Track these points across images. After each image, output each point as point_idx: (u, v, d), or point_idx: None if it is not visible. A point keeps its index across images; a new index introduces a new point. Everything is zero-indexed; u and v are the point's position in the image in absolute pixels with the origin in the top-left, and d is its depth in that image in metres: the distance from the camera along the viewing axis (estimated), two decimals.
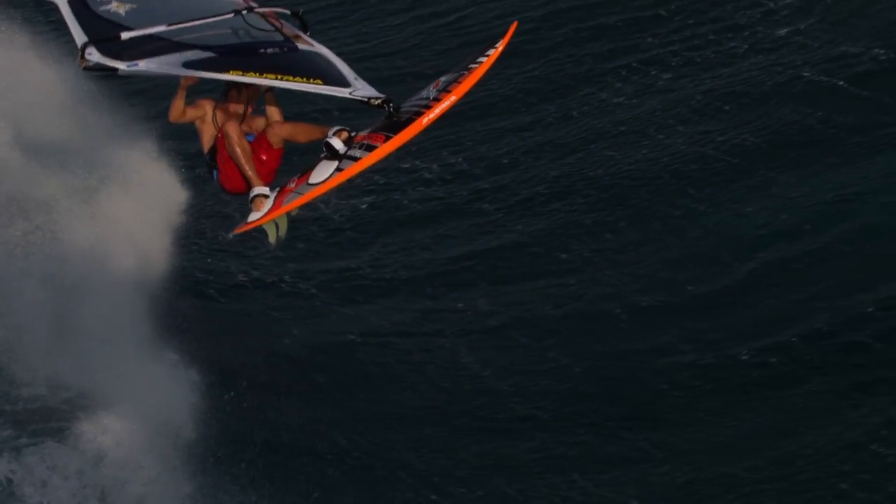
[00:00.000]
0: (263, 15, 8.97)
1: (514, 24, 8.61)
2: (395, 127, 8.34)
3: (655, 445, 11.10)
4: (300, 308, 13.10)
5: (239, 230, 9.00)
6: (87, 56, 8.31)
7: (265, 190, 8.85)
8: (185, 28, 8.55)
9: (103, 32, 8.55)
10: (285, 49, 8.69)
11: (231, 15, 8.74)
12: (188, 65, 8.38)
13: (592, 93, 15.71)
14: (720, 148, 14.62)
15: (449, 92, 8.35)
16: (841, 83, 15.10)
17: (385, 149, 8.22)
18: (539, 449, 11.22)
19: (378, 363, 12.33)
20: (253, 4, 9.06)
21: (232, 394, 11.57)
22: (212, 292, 13.39)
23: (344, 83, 8.42)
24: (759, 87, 15.26)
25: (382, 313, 12.94)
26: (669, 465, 10.89)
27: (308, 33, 9.07)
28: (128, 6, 8.90)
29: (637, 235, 13.51)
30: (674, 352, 12.06)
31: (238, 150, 8.82)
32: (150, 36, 8.50)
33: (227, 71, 8.34)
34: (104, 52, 8.34)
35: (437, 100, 8.33)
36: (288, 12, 9.10)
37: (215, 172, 9.08)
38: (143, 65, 8.29)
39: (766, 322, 12.19)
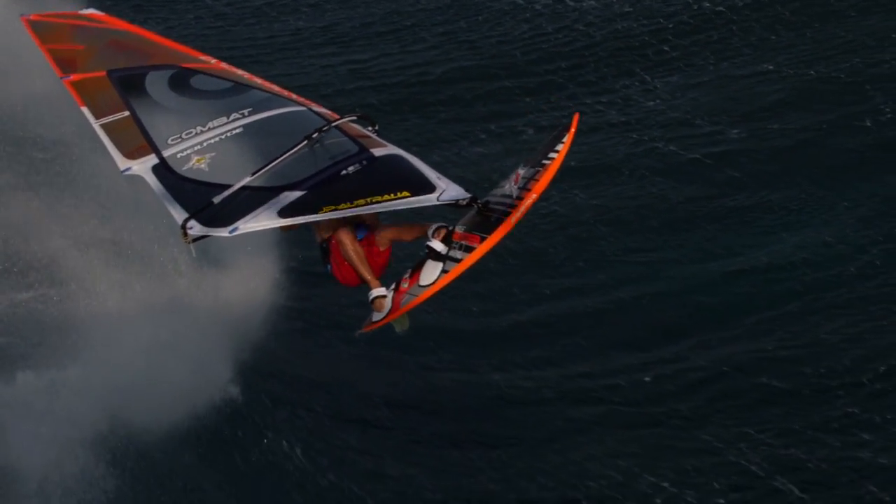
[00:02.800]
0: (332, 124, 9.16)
1: (577, 116, 8.90)
2: (486, 226, 8.67)
3: None
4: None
5: (366, 329, 9.26)
6: (188, 231, 8.41)
7: (383, 291, 9.07)
8: (268, 170, 8.75)
9: (195, 201, 8.64)
10: (364, 162, 8.77)
11: (304, 142, 8.91)
12: (283, 213, 8.48)
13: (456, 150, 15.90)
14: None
15: (529, 190, 8.62)
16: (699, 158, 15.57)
17: (482, 249, 8.61)
18: None
19: None
20: (323, 121, 9.21)
21: None
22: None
23: (429, 187, 8.56)
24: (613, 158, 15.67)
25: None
26: None
27: (377, 128, 9.23)
28: (208, 158, 9.05)
29: None
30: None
31: (353, 255, 9.02)
32: (239, 190, 8.64)
33: (319, 210, 8.45)
34: (203, 222, 8.46)
35: (520, 198, 8.62)
36: (354, 117, 9.23)
37: (329, 266, 9.29)
38: (243, 226, 8.43)
39: None
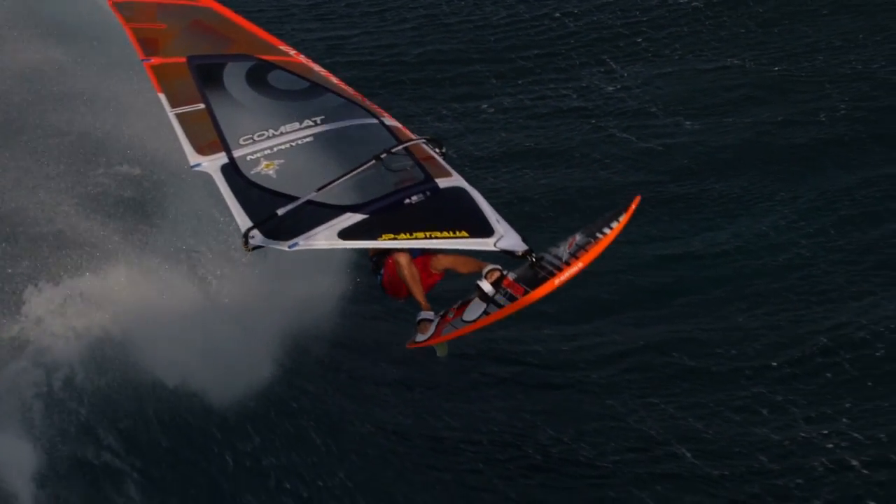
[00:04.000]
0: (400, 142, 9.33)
1: (638, 198, 9.10)
2: (532, 280, 8.88)
3: None
4: None
5: (410, 346, 9.57)
6: (250, 241, 8.59)
7: (430, 315, 9.37)
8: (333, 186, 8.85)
9: (260, 209, 8.75)
10: (428, 193, 8.93)
11: (372, 162, 9.05)
12: (343, 234, 8.61)
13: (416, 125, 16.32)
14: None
15: (577, 258, 8.80)
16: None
17: (523, 302, 8.89)
18: None
19: None
20: (393, 138, 9.41)
21: None
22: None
23: (487, 230, 8.74)
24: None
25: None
26: None
27: (444, 151, 9.44)
28: (276, 165, 9.14)
29: None
30: None
31: (409, 277, 9.27)
32: (304, 204, 8.77)
33: (379, 237, 8.61)
34: (265, 233, 8.59)
35: (568, 264, 8.82)
36: (425, 139, 9.43)
37: (379, 277, 9.51)
38: (303, 243, 8.53)
39: None
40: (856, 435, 11.87)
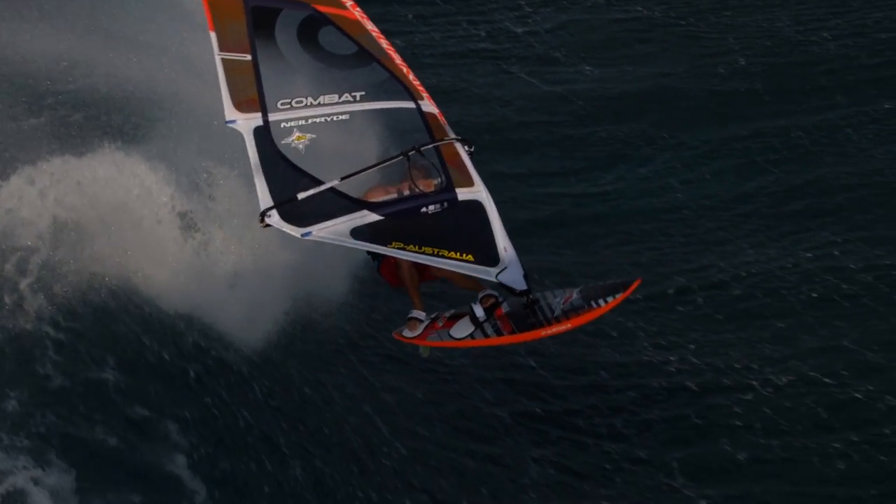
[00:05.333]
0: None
1: (638, 281, 9.52)
2: (522, 322, 9.24)
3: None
4: None
5: (396, 337, 9.93)
6: (266, 219, 8.82)
7: (422, 315, 9.71)
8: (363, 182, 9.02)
9: (282, 187, 8.85)
10: (445, 204, 9.08)
11: (400, 157, 9.23)
12: (355, 233, 8.80)
13: None
14: None
15: (568, 319, 9.19)
16: None
17: (508, 340, 9.33)
18: None
19: None
20: (426, 129, 9.58)
21: None
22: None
23: (493, 258, 9.01)
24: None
25: None
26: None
27: (472, 150, 9.66)
28: (308, 138, 9.21)
29: None
30: None
31: (408, 277, 9.58)
32: (325, 191, 8.89)
33: (389, 244, 8.81)
34: (283, 215, 8.78)
35: (558, 320, 9.20)
36: (458, 139, 9.58)
37: (377, 263, 9.70)
38: (316, 233, 8.74)
39: None
40: (695, 361, 12.53)
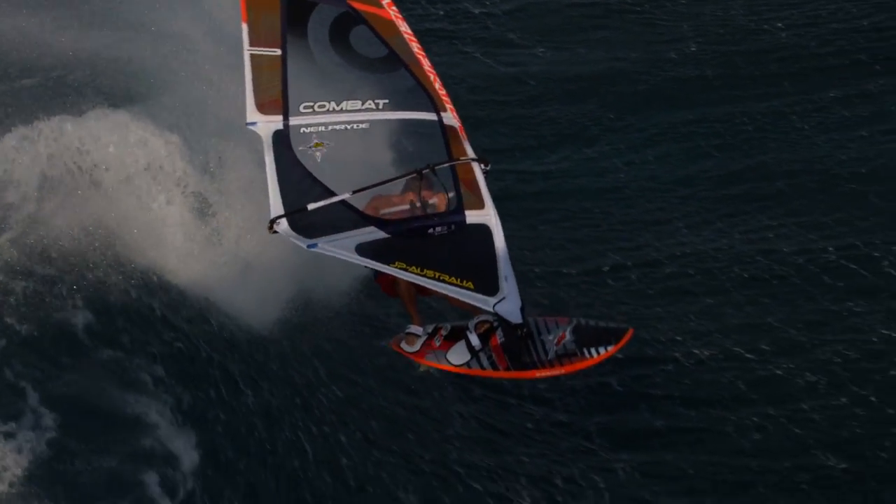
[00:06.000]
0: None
1: (631, 331, 9.68)
2: (516, 358, 9.44)
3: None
4: None
5: (392, 347, 10.15)
6: (275, 227, 8.91)
7: (419, 331, 9.91)
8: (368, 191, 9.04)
9: (294, 196, 8.87)
10: (452, 227, 9.09)
11: (414, 175, 9.19)
12: (360, 249, 8.84)
13: None
14: None
15: (562, 365, 9.42)
16: None
17: (501, 375, 9.58)
18: None
19: None
20: (444, 145, 9.55)
21: None
22: None
23: (492, 287, 8.99)
24: None
25: None
26: None
27: (488, 168, 9.64)
28: (325, 146, 9.22)
29: None
30: None
31: (405, 294, 9.77)
32: (335, 204, 8.92)
33: (392, 263, 8.84)
34: (291, 224, 8.86)
35: (551, 364, 9.42)
36: (475, 159, 9.52)
37: (375, 273, 9.69)
38: (321, 246, 8.79)
39: None
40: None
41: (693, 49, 17.24)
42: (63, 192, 12.55)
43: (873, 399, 12.26)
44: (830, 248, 14.07)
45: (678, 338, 12.78)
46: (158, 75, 13.90)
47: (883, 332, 12.97)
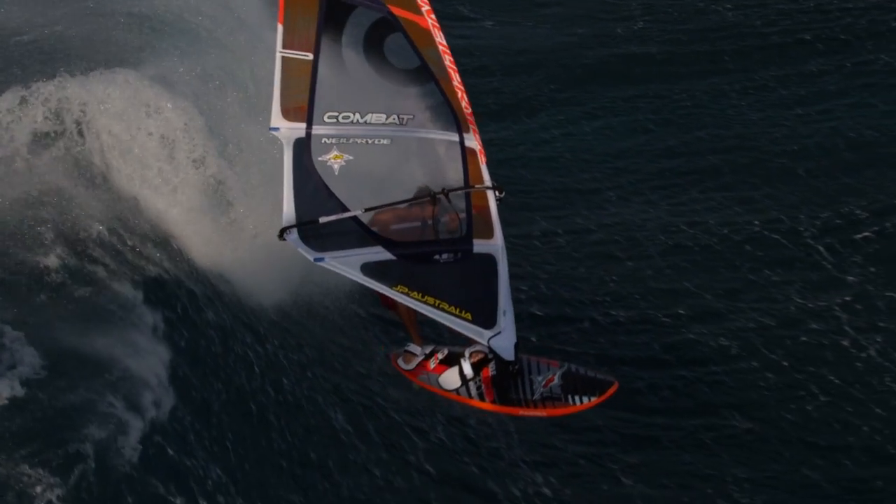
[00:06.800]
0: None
1: (616, 385, 9.77)
2: (503, 395, 9.71)
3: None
4: None
5: (392, 362, 10.32)
6: (285, 236, 8.90)
7: (417, 350, 10.10)
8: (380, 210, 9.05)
9: (308, 207, 8.91)
10: (459, 255, 9.09)
11: (427, 199, 9.13)
12: (365, 268, 8.86)
13: None
14: None
15: (545, 407, 9.61)
16: None
17: (487, 407, 9.79)
18: None
19: None
20: (461, 169, 9.29)
21: None
22: None
23: (490, 321, 9.04)
24: None
25: None
26: None
27: (502, 196, 9.40)
28: (344, 158, 9.14)
29: None
30: None
31: (404, 313, 9.87)
32: (346, 219, 8.95)
33: (395, 286, 8.90)
34: (301, 236, 8.89)
35: (535, 405, 9.60)
36: (490, 187, 9.32)
37: None
38: (328, 261, 8.84)
39: None
40: (544, 291, 13.35)
41: (640, 25, 17.69)
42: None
43: (785, 363, 12.72)
44: (756, 221, 14.55)
45: (598, 298, 13.25)
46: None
47: (798, 301, 13.44)
